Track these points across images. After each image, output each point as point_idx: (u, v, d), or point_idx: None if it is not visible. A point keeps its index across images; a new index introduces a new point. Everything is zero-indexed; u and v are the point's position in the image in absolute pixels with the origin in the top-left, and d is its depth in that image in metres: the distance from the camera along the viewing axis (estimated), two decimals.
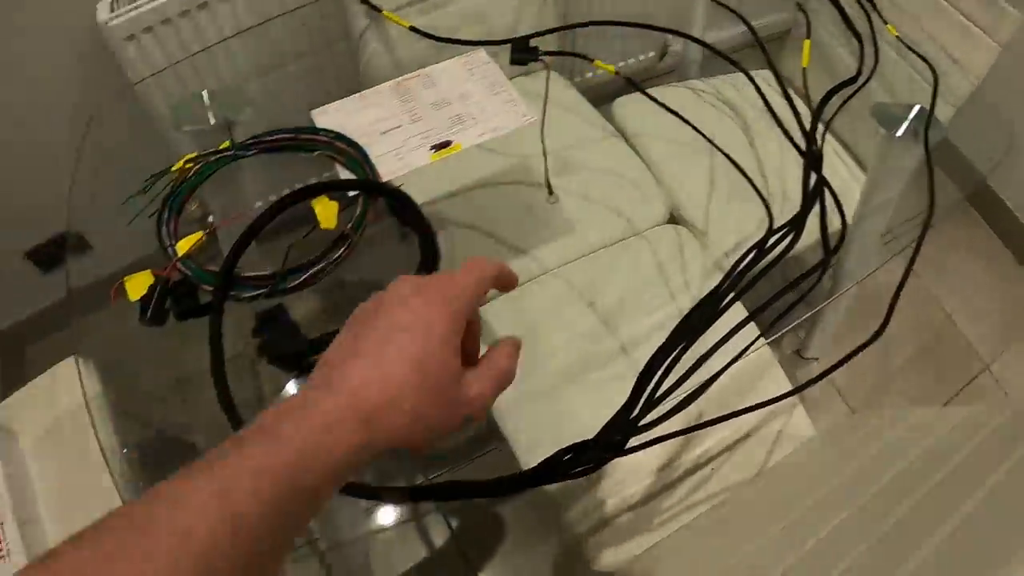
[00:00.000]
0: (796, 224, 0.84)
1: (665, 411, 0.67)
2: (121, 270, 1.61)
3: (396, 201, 0.73)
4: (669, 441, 0.69)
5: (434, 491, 0.62)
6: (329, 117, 0.89)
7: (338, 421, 0.33)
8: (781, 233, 0.87)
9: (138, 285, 0.76)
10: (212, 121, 0.99)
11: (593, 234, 1.07)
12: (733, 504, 0.88)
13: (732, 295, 0.78)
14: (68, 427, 1.10)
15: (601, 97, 1.32)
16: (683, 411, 0.67)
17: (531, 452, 0.89)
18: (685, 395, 0.68)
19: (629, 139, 1.21)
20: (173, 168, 0.86)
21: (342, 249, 0.75)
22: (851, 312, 1.32)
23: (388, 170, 0.81)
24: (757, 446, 0.94)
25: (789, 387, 0.93)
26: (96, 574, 0.25)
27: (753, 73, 1.37)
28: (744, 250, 1.08)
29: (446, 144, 0.83)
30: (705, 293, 1.03)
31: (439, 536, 1.34)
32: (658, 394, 0.68)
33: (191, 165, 0.86)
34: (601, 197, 1.10)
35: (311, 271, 0.74)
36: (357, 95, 0.91)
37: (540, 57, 0.92)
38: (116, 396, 1.07)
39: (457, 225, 1.08)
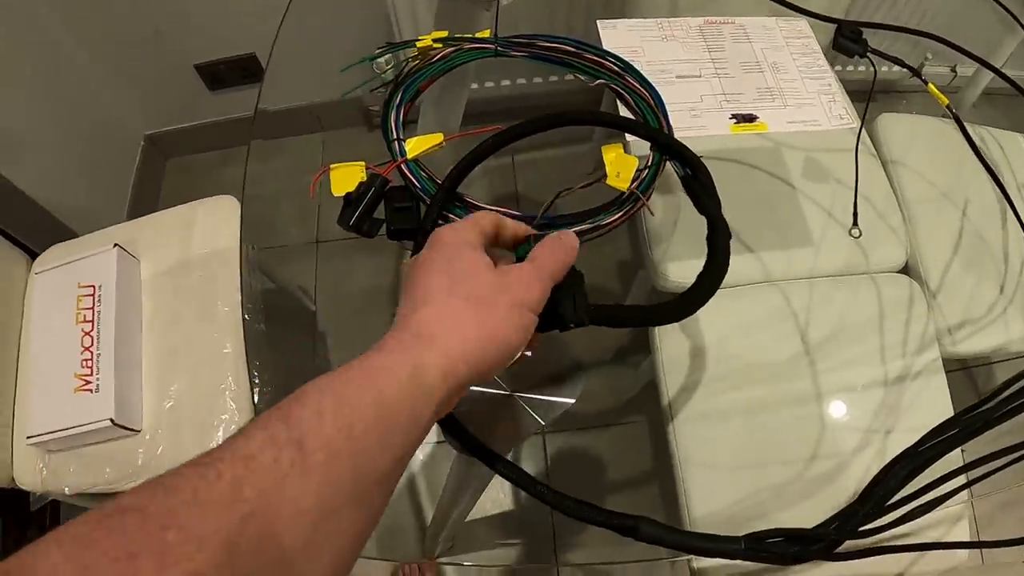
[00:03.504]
0: None
1: (888, 520, 0.58)
2: (283, 111, 1.54)
3: (695, 178, 0.59)
4: None
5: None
6: (618, 35, 0.78)
7: (424, 361, 0.35)
8: None
9: (346, 178, 0.62)
10: None
11: (825, 258, 0.94)
12: None
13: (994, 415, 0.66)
14: (197, 271, 1.00)
15: None
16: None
17: (691, 465, 0.82)
18: (915, 507, 0.58)
19: (884, 162, 1.06)
20: (419, 43, 0.72)
21: (618, 214, 0.60)
22: None
23: (680, 126, 0.69)
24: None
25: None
26: (230, 470, 0.27)
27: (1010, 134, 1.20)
28: (972, 334, 0.97)
29: (751, 119, 0.71)
30: (918, 365, 0.93)
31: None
32: (889, 502, 0.58)
33: (439, 46, 0.73)
34: (844, 218, 0.97)
35: (574, 229, 0.58)
36: (655, 20, 0.79)
37: (867, 54, 0.78)
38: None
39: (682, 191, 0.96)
